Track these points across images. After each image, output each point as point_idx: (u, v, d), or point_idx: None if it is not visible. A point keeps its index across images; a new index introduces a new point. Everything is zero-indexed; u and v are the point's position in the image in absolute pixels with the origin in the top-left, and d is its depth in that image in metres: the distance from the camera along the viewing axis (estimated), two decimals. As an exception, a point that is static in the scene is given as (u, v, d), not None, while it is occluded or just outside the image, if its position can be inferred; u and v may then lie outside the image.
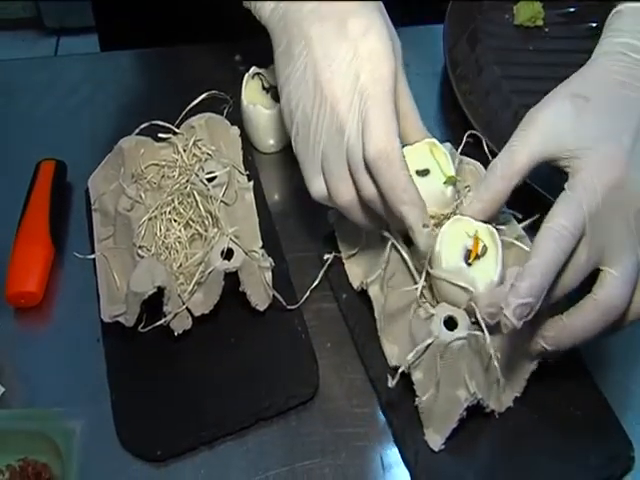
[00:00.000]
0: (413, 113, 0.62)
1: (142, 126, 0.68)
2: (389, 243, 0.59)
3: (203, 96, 0.71)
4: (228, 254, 0.61)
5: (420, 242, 0.56)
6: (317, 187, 0.59)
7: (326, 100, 0.56)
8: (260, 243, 0.66)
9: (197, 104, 0.69)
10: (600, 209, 0.52)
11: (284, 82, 0.59)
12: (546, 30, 0.88)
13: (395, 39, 0.61)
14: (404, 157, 0.56)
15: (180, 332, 0.62)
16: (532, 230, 0.65)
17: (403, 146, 0.57)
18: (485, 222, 0.60)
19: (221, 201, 0.64)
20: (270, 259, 0.64)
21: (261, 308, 0.64)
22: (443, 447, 0.58)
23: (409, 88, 0.62)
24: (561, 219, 0.52)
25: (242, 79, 0.75)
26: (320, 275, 0.66)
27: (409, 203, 0.56)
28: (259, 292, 0.63)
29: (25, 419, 0.55)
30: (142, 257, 0.62)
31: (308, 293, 0.65)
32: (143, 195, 0.64)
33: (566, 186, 0.55)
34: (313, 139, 0.58)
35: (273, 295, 0.63)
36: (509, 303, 0.49)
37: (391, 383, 0.56)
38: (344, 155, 0.56)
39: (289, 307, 0.64)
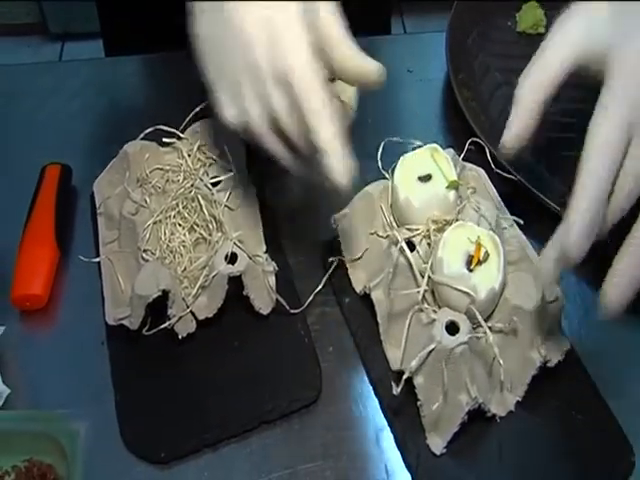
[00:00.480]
0: (344, 39, 0.57)
1: (147, 131, 0.68)
2: (397, 247, 0.60)
3: (207, 101, 0.71)
4: (232, 258, 0.61)
5: (334, 167, 0.54)
6: (231, 112, 0.57)
7: (233, 18, 0.55)
8: (264, 247, 0.67)
9: (201, 109, 0.70)
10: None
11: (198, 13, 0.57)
12: (548, 37, 0.88)
13: None
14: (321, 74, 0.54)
15: (184, 335, 0.62)
16: (534, 239, 0.66)
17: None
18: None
19: (225, 205, 0.65)
20: (274, 263, 0.64)
21: (264, 312, 0.64)
22: (445, 451, 0.58)
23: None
24: (599, 122, 0.53)
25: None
26: (324, 280, 0.67)
27: (323, 116, 0.53)
28: (263, 296, 0.64)
29: (30, 420, 0.55)
30: (147, 261, 0.62)
31: (312, 297, 0.66)
32: (148, 199, 0.65)
33: (602, 94, 0.54)
34: (223, 61, 0.56)
35: (276, 299, 0.64)
36: (570, 243, 0.51)
37: (396, 390, 0.56)
38: (255, 74, 0.55)
39: (292, 311, 0.64)
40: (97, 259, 0.66)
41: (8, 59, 1.98)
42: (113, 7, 1.01)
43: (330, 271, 0.67)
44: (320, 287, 0.66)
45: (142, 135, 0.68)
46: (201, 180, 0.65)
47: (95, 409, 0.60)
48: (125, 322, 0.62)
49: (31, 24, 2.33)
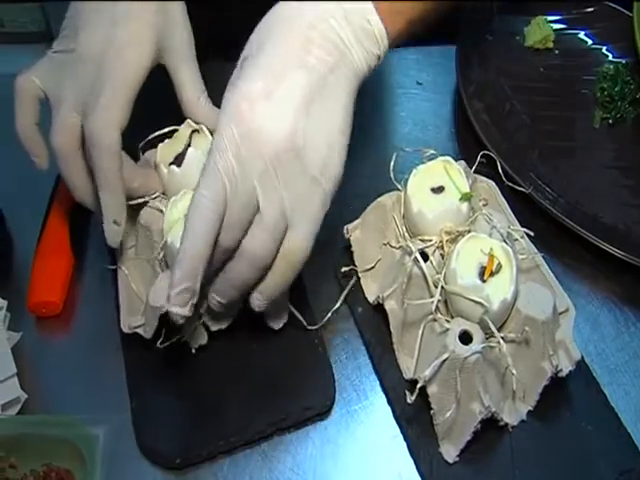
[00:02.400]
0: (191, 85, 0.66)
1: (162, 131, 0.68)
2: (411, 257, 0.61)
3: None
4: None
5: (106, 235, 0.62)
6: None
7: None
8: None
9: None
10: (235, 166, 0.53)
11: None
12: (556, 52, 0.89)
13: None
14: (120, 149, 0.60)
15: (196, 347, 0.63)
16: (544, 250, 0.67)
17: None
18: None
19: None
20: None
21: (276, 327, 0.64)
22: (457, 459, 0.59)
23: (193, 61, 0.66)
24: (202, 189, 0.53)
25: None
26: (342, 298, 0.67)
27: (109, 191, 0.60)
28: (275, 311, 0.64)
29: (49, 425, 0.56)
30: (162, 270, 0.63)
31: (329, 314, 0.66)
32: (165, 208, 0.65)
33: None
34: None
35: (293, 314, 0.64)
36: (169, 296, 0.53)
37: (410, 399, 0.57)
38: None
39: (309, 327, 0.65)
40: (113, 266, 0.66)
41: (13, 67, 1.98)
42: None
43: (347, 290, 0.68)
44: (338, 305, 0.66)
45: (155, 135, 0.68)
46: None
47: (111, 415, 0.60)
48: (139, 331, 0.62)
49: (36, 32, 2.33)
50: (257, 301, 0.58)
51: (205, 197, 0.52)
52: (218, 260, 0.55)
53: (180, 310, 0.53)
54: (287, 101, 0.53)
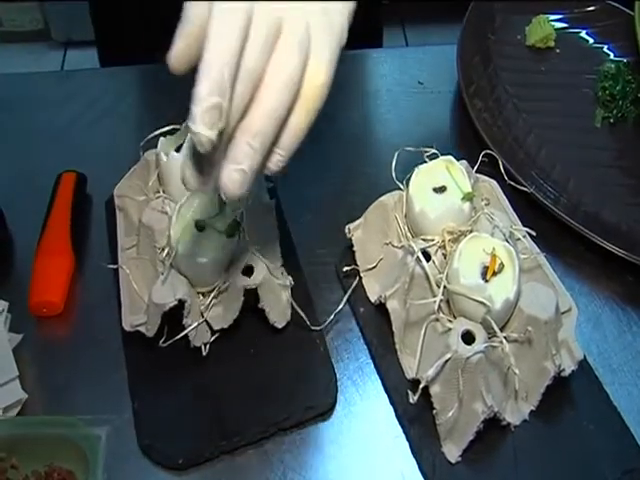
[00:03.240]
0: None
1: (163, 130, 0.68)
2: (413, 257, 0.61)
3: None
4: (249, 271, 0.62)
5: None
6: None
7: None
8: (280, 262, 0.67)
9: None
10: None
11: None
12: (557, 51, 0.89)
13: None
14: None
15: (198, 345, 0.63)
16: (546, 249, 0.67)
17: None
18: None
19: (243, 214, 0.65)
20: (290, 278, 0.65)
21: (279, 325, 0.64)
22: (460, 459, 0.59)
23: None
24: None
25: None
26: (345, 300, 0.67)
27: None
28: (278, 310, 0.64)
29: (51, 425, 0.56)
30: (164, 270, 0.63)
31: (332, 317, 0.66)
32: (168, 207, 0.65)
33: None
34: None
35: (295, 313, 0.64)
36: (195, 115, 0.45)
37: (413, 399, 0.57)
38: None
39: (313, 328, 0.65)
40: (115, 265, 0.66)
41: (11, 66, 1.98)
42: (111, 19, 1.01)
43: (350, 291, 0.68)
44: (341, 306, 0.67)
45: (156, 133, 0.68)
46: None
47: (112, 415, 0.60)
48: (141, 329, 0.62)
49: (34, 31, 2.34)
50: (279, 157, 0.50)
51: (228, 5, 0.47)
52: (245, 90, 0.47)
53: (208, 132, 0.45)
54: None
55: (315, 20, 0.50)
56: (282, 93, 0.48)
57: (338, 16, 0.52)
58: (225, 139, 0.47)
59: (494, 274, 0.60)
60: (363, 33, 1.00)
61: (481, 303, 0.58)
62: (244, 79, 0.47)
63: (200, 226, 0.62)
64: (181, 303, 0.61)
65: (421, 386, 0.57)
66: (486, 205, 0.68)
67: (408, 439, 0.61)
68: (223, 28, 0.46)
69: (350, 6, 0.53)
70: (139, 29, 0.98)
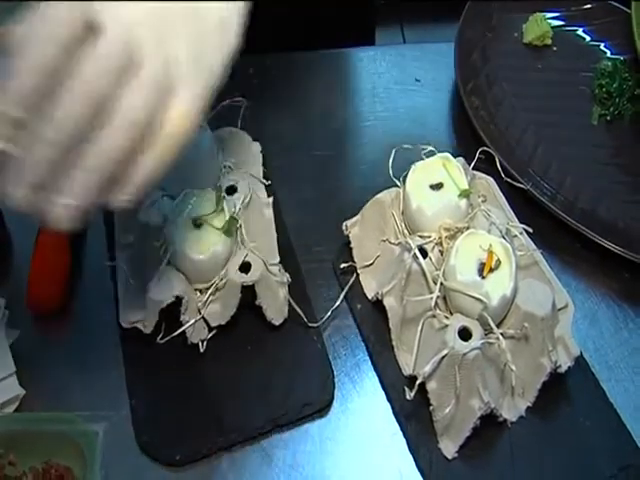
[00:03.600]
0: None
1: None
2: (410, 254, 0.61)
3: (219, 107, 0.72)
4: (246, 267, 0.62)
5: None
6: None
7: None
8: (277, 258, 0.67)
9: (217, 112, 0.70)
10: None
11: None
12: (554, 49, 0.90)
13: None
14: None
15: (196, 342, 0.63)
16: (543, 246, 0.67)
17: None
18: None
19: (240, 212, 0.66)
20: (287, 275, 0.65)
21: (277, 322, 0.64)
22: (457, 455, 0.59)
23: None
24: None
25: (255, 92, 0.76)
26: (342, 296, 0.68)
27: None
28: (275, 307, 0.64)
29: (49, 422, 0.55)
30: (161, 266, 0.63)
31: (329, 313, 0.66)
32: (164, 204, 0.65)
33: None
34: None
35: (292, 310, 0.64)
36: None
37: (409, 395, 0.57)
38: None
39: (310, 325, 0.65)
40: (112, 262, 0.66)
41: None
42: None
43: (347, 288, 0.68)
44: (338, 303, 0.67)
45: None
46: (219, 187, 0.65)
47: (110, 412, 0.60)
48: (139, 325, 0.62)
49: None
50: (123, 195, 0.44)
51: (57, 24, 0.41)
52: (79, 115, 0.42)
53: None
54: None
55: (181, 49, 0.44)
56: (124, 135, 0.43)
57: (215, 36, 0.46)
58: (43, 161, 0.42)
59: (491, 271, 0.60)
60: (355, 31, 1.00)
61: (478, 299, 0.58)
62: (76, 102, 0.42)
63: (197, 223, 0.63)
64: (178, 300, 0.61)
65: (418, 382, 0.57)
66: (483, 202, 0.68)
67: (405, 435, 0.61)
68: (47, 35, 0.41)
69: (236, 19, 0.47)
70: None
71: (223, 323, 0.63)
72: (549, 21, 0.90)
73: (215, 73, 0.46)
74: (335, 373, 0.64)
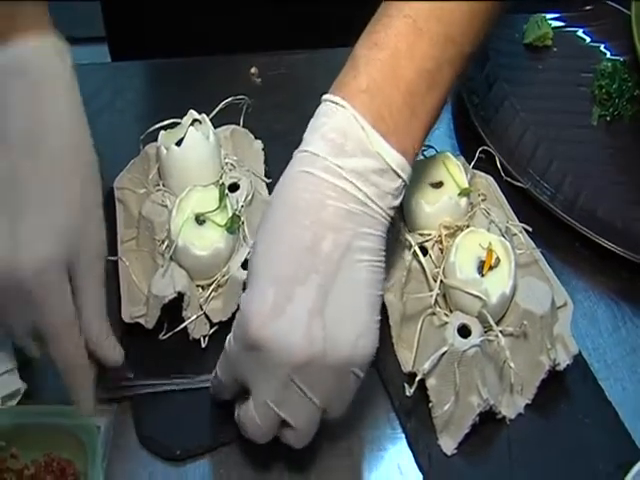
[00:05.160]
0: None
1: (164, 123, 0.68)
2: (411, 251, 0.61)
3: (221, 105, 0.72)
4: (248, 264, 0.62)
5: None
6: None
7: None
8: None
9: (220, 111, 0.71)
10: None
11: None
12: (555, 50, 0.90)
13: None
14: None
15: (197, 337, 0.63)
16: (542, 245, 0.67)
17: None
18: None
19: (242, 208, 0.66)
20: None
21: None
22: (456, 451, 0.59)
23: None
24: None
25: (257, 91, 0.76)
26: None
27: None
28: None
29: (51, 415, 0.56)
30: (163, 262, 0.63)
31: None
32: (168, 200, 0.65)
33: None
34: None
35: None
36: None
37: (409, 392, 0.57)
38: None
39: None
40: (114, 257, 0.66)
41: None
42: (121, 14, 1.02)
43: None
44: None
45: (156, 127, 0.69)
46: (222, 185, 0.66)
47: (111, 406, 0.61)
48: (141, 321, 0.63)
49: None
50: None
51: None
52: None
53: None
54: (299, 311, 0.49)
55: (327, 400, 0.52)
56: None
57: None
58: None
59: (490, 268, 0.60)
60: (356, 30, 1.00)
61: (477, 297, 0.58)
62: None
63: (200, 220, 0.63)
64: (180, 296, 0.61)
65: (417, 379, 0.57)
66: (483, 201, 0.68)
67: (404, 431, 0.61)
68: None
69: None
70: (150, 23, 0.99)
71: (225, 319, 0.64)
72: (549, 22, 0.91)
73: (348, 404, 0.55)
74: (335, 369, 0.64)
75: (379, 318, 0.52)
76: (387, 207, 0.52)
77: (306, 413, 0.52)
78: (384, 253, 0.52)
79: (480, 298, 0.58)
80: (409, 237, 0.63)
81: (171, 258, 0.62)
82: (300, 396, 0.51)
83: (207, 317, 0.64)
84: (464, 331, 0.58)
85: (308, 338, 0.49)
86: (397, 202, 0.53)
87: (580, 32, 0.92)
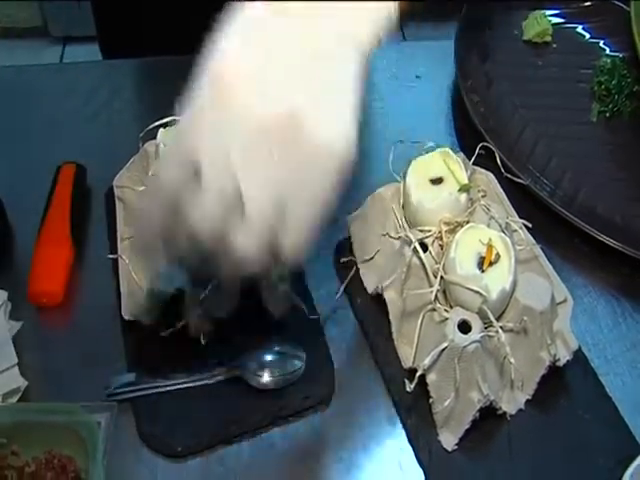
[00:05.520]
0: None
1: (162, 121, 0.68)
2: (410, 247, 0.61)
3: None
4: None
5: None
6: None
7: None
8: (279, 252, 0.67)
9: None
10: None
11: None
12: (554, 46, 0.90)
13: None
14: None
15: (197, 335, 0.63)
16: (542, 241, 0.67)
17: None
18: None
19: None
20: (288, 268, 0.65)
21: (278, 315, 0.65)
22: (456, 447, 0.59)
23: None
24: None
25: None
26: (341, 290, 0.68)
27: None
28: (276, 300, 0.64)
29: (52, 412, 0.56)
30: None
31: (330, 307, 0.67)
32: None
33: None
34: None
35: (295, 304, 0.64)
36: None
37: (409, 387, 0.58)
38: None
39: (311, 317, 0.65)
40: (114, 255, 0.66)
41: (11, 61, 1.98)
42: (111, 13, 1.02)
43: (347, 282, 0.68)
44: (338, 296, 0.68)
45: (156, 124, 0.68)
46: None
47: (112, 403, 0.61)
48: (140, 318, 0.62)
49: (32, 28, 2.34)
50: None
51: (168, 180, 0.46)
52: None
53: None
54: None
55: (291, 186, 0.45)
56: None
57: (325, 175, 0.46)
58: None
59: (490, 264, 0.60)
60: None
61: (477, 293, 0.59)
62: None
63: None
64: (180, 292, 0.61)
65: (418, 375, 0.57)
66: (483, 197, 0.68)
67: (405, 427, 0.61)
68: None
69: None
70: (140, 21, 0.99)
71: (224, 316, 0.64)
72: (549, 18, 0.90)
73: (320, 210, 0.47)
74: (335, 366, 0.64)
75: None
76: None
77: (265, 189, 0.45)
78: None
79: (480, 294, 0.58)
80: (409, 233, 0.63)
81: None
82: (264, 164, 0.45)
83: (207, 314, 0.64)
84: (464, 327, 0.58)
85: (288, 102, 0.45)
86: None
87: (579, 28, 0.92)
